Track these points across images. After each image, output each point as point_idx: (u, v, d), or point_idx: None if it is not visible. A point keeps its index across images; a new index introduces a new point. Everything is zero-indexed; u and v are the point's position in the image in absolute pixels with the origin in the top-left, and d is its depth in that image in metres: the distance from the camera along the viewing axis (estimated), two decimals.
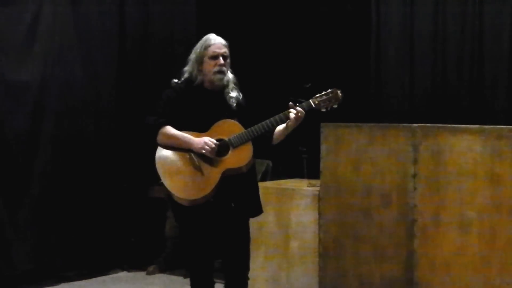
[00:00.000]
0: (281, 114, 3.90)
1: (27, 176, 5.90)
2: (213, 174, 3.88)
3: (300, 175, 6.04)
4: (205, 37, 4.10)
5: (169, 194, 3.95)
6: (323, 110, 3.91)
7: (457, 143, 4.91)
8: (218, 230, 4.03)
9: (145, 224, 6.67)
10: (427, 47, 6.25)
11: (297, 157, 6.35)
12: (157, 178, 4.01)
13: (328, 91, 3.90)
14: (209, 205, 3.92)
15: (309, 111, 3.93)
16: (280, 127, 4.00)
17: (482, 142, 4.81)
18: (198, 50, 4.05)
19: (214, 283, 4.17)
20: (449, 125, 5.09)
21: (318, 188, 5.47)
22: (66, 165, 6.13)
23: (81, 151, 6.23)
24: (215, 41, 4.05)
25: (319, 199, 5.42)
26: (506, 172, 4.72)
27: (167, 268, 6.52)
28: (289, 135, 4.07)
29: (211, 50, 4.02)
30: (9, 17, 5.78)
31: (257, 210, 4.19)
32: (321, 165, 5.40)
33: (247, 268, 4.17)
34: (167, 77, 6.67)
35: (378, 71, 6.46)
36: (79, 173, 6.21)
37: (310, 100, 3.91)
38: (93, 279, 6.23)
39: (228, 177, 3.91)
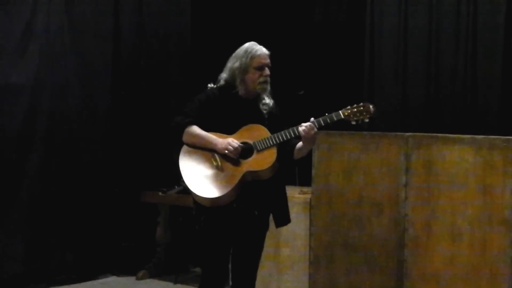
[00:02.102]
0: (294, 127, 3.85)
1: (19, 179, 5.87)
2: (234, 174, 3.86)
3: (292, 183, 6.03)
4: (249, 45, 4.04)
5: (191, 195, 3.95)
6: (353, 123, 3.84)
7: (449, 153, 4.92)
8: (238, 236, 4.02)
9: (136, 229, 6.65)
10: (420, 56, 6.25)
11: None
12: (179, 178, 4.00)
13: (360, 104, 3.84)
14: (231, 210, 3.91)
15: (339, 122, 3.87)
16: (299, 144, 3.93)
17: (474, 152, 4.82)
18: (244, 60, 3.98)
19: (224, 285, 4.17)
20: (441, 134, 5.10)
21: (309, 196, 5.46)
22: (58, 168, 6.10)
23: (73, 154, 6.21)
24: (261, 51, 4.00)
25: (311, 207, 5.42)
26: (498, 183, 4.73)
27: (157, 273, 6.50)
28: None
29: (258, 60, 3.97)
30: (4, 19, 5.76)
31: (284, 219, 4.13)
32: (313, 172, 5.40)
33: (254, 278, 4.16)
34: (162, 77, 6.75)
35: (371, 80, 6.46)
36: (71, 177, 6.19)
37: (340, 111, 3.84)
38: (83, 284, 6.20)
39: (253, 183, 3.89)
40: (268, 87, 4.02)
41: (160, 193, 6.32)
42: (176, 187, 6.20)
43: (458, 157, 4.89)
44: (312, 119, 3.84)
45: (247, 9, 7.14)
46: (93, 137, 6.35)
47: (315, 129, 3.82)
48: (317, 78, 6.83)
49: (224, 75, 4.06)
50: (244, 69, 3.98)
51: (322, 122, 3.82)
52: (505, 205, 4.71)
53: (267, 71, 3.97)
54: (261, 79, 3.97)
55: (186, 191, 5.71)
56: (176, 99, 6.66)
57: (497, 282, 4.73)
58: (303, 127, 3.81)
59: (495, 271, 4.73)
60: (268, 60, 4.00)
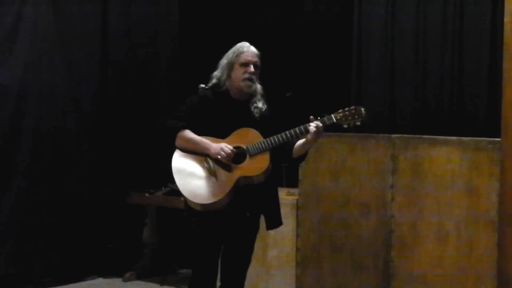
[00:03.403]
0: (301, 127, 3.84)
1: (5, 180, 5.84)
2: (227, 180, 3.86)
3: (279, 184, 6.04)
4: (239, 44, 4.07)
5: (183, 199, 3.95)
6: (345, 126, 3.84)
7: (436, 155, 4.95)
8: (228, 237, 4.03)
9: (123, 230, 6.64)
10: (408, 58, 6.27)
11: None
12: (172, 182, 3.99)
13: (352, 107, 3.83)
14: (224, 213, 3.91)
15: (330, 125, 3.86)
16: (301, 141, 3.94)
17: (460, 154, 4.85)
18: (230, 56, 4.03)
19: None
20: (428, 136, 5.13)
21: (297, 197, 5.47)
22: (45, 170, 6.08)
23: (60, 156, 6.19)
24: (248, 49, 4.03)
25: (298, 208, 5.43)
26: (484, 184, 4.77)
27: (144, 275, 6.48)
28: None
29: (243, 57, 3.99)
30: None
31: (276, 221, 4.14)
32: (300, 174, 5.42)
33: (243, 279, 4.17)
34: (150, 79, 6.74)
35: (359, 81, 6.47)
36: (58, 178, 6.17)
37: (332, 114, 3.83)
38: (70, 285, 6.18)
39: (246, 186, 3.89)
40: (254, 87, 4.00)
41: (147, 194, 6.31)
42: (163, 188, 6.20)
43: (445, 158, 4.92)
44: (311, 117, 3.83)
45: (235, 9, 7.14)
46: (80, 138, 6.34)
47: (323, 127, 3.82)
48: (304, 79, 6.84)
49: (215, 73, 4.09)
50: (230, 66, 4.01)
51: (326, 121, 3.83)
52: (491, 206, 4.74)
53: (251, 68, 3.97)
54: (245, 76, 3.96)
55: (173, 192, 5.73)
56: (164, 101, 6.66)
57: (483, 283, 4.76)
58: (313, 125, 3.79)
59: (482, 271, 4.76)
60: (255, 59, 4.01)
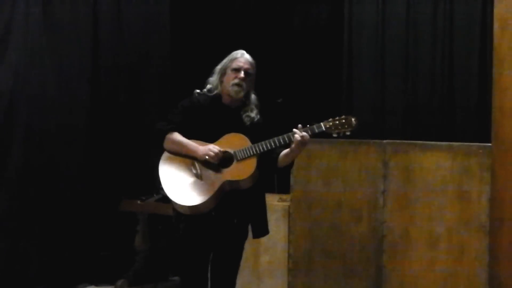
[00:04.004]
0: (284, 135, 3.83)
1: None
2: (213, 183, 3.87)
3: (271, 190, 6.04)
4: (235, 51, 4.10)
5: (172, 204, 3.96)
6: (335, 135, 3.84)
7: (427, 160, 4.96)
8: (217, 245, 4.03)
9: (114, 237, 6.61)
10: (398, 64, 6.30)
11: None
12: (159, 185, 4.00)
13: (342, 117, 3.82)
14: (210, 218, 3.91)
15: (319, 133, 3.85)
16: (286, 150, 3.92)
17: (451, 159, 4.88)
18: (224, 62, 4.07)
19: None
20: (419, 141, 5.15)
21: (288, 203, 5.47)
22: (36, 177, 6.06)
23: (51, 163, 6.17)
24: (242, 56, 4.05)
25: (290, 214, 5.43)
26: (474, 189, 4.79)
27: (136, 282, 6.46)
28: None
29: (236, 62, 4.02)
30: None
31: (262, 230, 4.13)
32: (292, 180, 5.42)
33: (233, 286, 4.16)
34: (141, 86, 6.73)
35: (350, 88, 6.50)
36: (49, 186, 6.15)
37: (322, 123, 3.82)
38: None
39: (232, 192, 3.90)
40: (242, 93, 4.00)
41: (138, 202, 6.29)
42: (154, 195, 6.18)
43: (436, 163, 4.94)
44: (299, 126, 3.81)
45: (226, 14, 7.15)
46: (71, 145, 6.32)
47: (308, 137, 3.80)
48: (295, 85, 6.85)
49: (210, 78, 4.12)
50: (223, 71, 4.05)
51: (315, 129, 3.82)
52: (482, 210, 4.76)
53: (241, 74, 3.98)
54: (235, 81, 3.98)
55: (165, 199, 5.71)
56: (155, 108, 6.64)
57: (475, 287, 4.78)
58: (298, 134, 3.78)
59: (473, 276, 4.78)
60: (247, 66, 4.02)
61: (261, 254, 5.52)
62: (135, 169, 6.55)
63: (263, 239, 5.23)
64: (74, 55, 6.28)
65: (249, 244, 4.17)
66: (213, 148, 3.88)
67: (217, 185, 3.86)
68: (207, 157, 3.87)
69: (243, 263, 4.16)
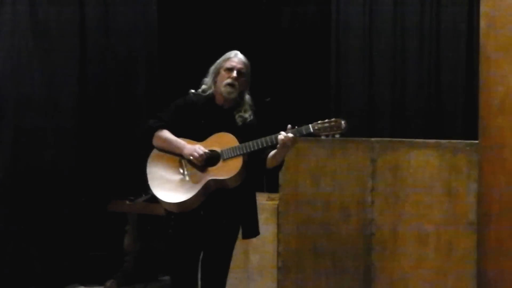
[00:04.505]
0: (272, 136, 3.83)
1: None
2: (198, 181, 3.88)
3: (260, 189, 6.05)
4: (229, 51, 4.12)
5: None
6: (323, 137, 3.83)
7: (415, 158, 4.99)
8: (206, 244, 4.04)
9: (103, 238, 6.60)
10: (386, 62, 6.31)
11: None
12: (147, 184, 4.01)
13: (332, 119, 3.81)
14: (199, 218, 3.93)
15: (307, 135, 3.85)
16: (273, 152, 3.91)
17: (439, 156, 4.90)
18: (218, 62, 4.09)
19: None
20: (407, 139, 5.17)
21: (277, 202, 5.48)
22: (24, 178, 6.05)
23: (39, 164, 6.15)
24: (236, 56, 4.07)
25: (278, 212, 5.44)
26: (462, 186, 4.81)
27: (126, 282, 6.45)
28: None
29: (229, 62, 4.03)
30: None
31: (252, 231, 4.14)
32: (281, 179, 5.42)
33: (224, 285, 4.16)
34: (129, 88, 6.71)
35: (338, 87, 6.50)
36: (38, 186, 6.13)
37: (310, 125, 3.81)
38: None
39: (220, 192, 3.91)
40: (235, 94, 4.01)
41: (127, 202, 6.28)
42: (143, 195, 6.18)
43: (424, 161, 4.96)
44: (289, 126, 3.80)
45: (213, 16, 7.14)
46: (60, 146, 6.30)
47: (295, 138, 3.78)
48: (283, 84, 6.85)
49: (205, 79, 4.13)
50: (217, 71, 4.07)
51: (303, 130, 3.81)
52: (470, 208, 4.78)
53: (234, 73, 3.99)
54: (227, 81, 3.99)
55: (154, 199, 5.71)
56: (144, 108, 6.64)
57: (464, 284, 4.80)
58: (282, 136, 3.77)
59: (461, 272, 4.80)
60: (240, 66, 4.02)
61: (251, 253, 5.52)
62: (123, 170, 6.54)
63: (253, 239, 5.26)
64: (61, 56, 6.26)
65: (239, 244, 4.17)
66: (198, 149, 3.89)
67: (201, 184, 3.87)
68: (191, 157, 3.88)
69: (232, 262, 4.17)
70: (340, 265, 5.21)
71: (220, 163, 3.90)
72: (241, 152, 3.87)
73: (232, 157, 3.89)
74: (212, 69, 4.10)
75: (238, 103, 4.07)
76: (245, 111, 4.07)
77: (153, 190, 3.95)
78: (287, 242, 5.41)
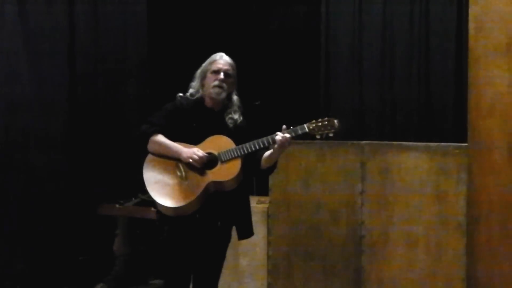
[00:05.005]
0: (268, 137, 3.87)
1: None
2: (198, 184, 3.88)
3: (250, 192, 6.04)
4: (214, 54, 4.14)
5: (155, 205, 3.96)
6: (318, 136, 3.88)
7: (404, 160, 5.00)
8: (200, 247, 4.03)
9: (93, 242, 6.59)
10: (375, 65, 6.33)
11: None
12: (142, 192, 4.00)
13: (325, 118, 3.87)
14: (194, 221, 3.92)
15: (303, 135, 3.88)
16: (268, 152, 3.95)
17: (428, 159, 4.91)
18: (204, 65, 4.12)
19: None
20: (396, 142, 5.18)
21: (267, 205, 5.48)
22: (13, 181, 6.02)
23: (29, 167, 6.13)
24: (221, 58, 4.09)
25: (269, 215, 5.44)
26: (452, 189, 4.83)
27: (116, 286, 6.44)
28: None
29: (215, 64, 4.06)
30: None
31: (247, 232, 4.16)
32: (270, 182, 5.43)
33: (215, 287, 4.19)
34: (119, 91, 6.70)
35: (328, 89, 6.52)
36: (27, 190, 6.11)
37: (305, 124, 3.87)
38: None
39: (216, 195, 3.91)
40: (223, 94, 4.04)
41: (117, 205, 6.27)
42: (133, 199, 6.17)
43: (413, 164, 4.97)
44: (284, 126, 3.85)
45: (203, 19, 7.15)
46: (50, 150, 6.28)
47: (292, 138, 3.84)
48: (273, 87, 6.86)
49: (192, 83, 4.14)
50: (203, 74, 4.09)
51: (299, 130, 3.86)
52: (459, 210, 4.80)
53: (221, 75, 4.01)
54: (215, 83, 4.01)
55: (144, 203, 5.70)
56: (134, 111, 6.63)
57: (453, 286, 4.81)
58: (279, 135, 3.81)
59: (451, 276, 4.82)
60: (226, 67, 4.05)
61: (241, 256, 5.52)
62: (113, 174, 6.53)
63: (243, 242, 5.25)
64: (50, 57, 6.24)
65: (229, 247, 4.18)
66: (197, 152, 3.89)
67: (202, 187, 3.87)
68: (191, 160, 3.88)
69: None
70: (330, 267, 5.22)
71: (219, 166, 3.91)
72: (239, 154, 3.89)
73: (230, 159, 3.90)
74: (199, 72, 4.13)
75: (226, 104, 4.10)
76: (234, 112, 4.10)
77: (152, 194, 3.93)
78: (277, 244, 5.41)
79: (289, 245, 5.36)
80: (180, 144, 3.97)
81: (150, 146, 4.01)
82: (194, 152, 3.89)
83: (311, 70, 6.70)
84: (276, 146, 3.84)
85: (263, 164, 3.99)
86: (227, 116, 4.07)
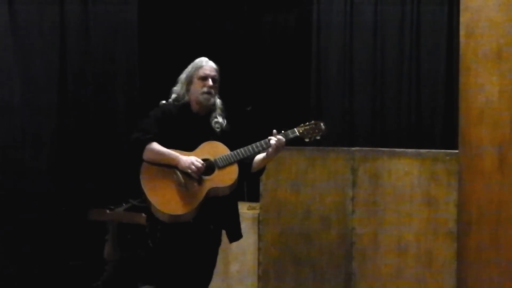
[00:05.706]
0: (262, 141, 3.91)
1: None
2: (198, 192, 3.89)
3: (240, 198, 6.04)
4: (198, 59, 4.13)
5: (150, 211, 3.94)
6: (307, 140, 3.93)
7: (395, 167, 5.01)
8: (194, 251, 4.03)
9: (83, 247, 6.57)
10: (366, 70, 6.34)
11: None
12: (141, 194, 3.98)
13: (312, 122, 3.95)
14: (188, 226, 3.92)
15: (294, 139, 3.95)
16: (261, 155, 4.01)
17: (419, 165, 4.92)
18: (189, 70, 4.10)
19: None
20: (387, 149, 5.19)
21: (258, 211, 5.48)
22: (3, 186, 6.00)
23: (19, 172, 6.10)
24: (207, 64, 4.09)
25: (259, 221, 5.44)
26: (442, 195, 4.84)
27: None
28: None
29: (202, 71, 4.05)
30: None
31: (237, 234, 4.18)
32: (261, 187, 5.43)
33: None
34: (109, 97, 6.69)
35: (318, 95, 6.53)
36: (17, 196, 6.08)
37: (295, 128, 3.94)
38: None
39: (211, 198, 3.92)
40: (213, 100, 4.05)
41: (107, 211, 6.25)
42: (124, 204, 6.16)
43: (404, 170, 4.98)
44: (274, 131, 3.91)
45: (194, 24, 7.15)
46: (39, 155, 6.26)
47: (284, 141, 3.90)
48: (264, 93, 6.87)
49: (175, 88, 4.14)
50: (189, 80, 4.08)
51: (290, 134, 3.94)
52: (449, 217, 4.81)
53: (209, 82, 4.02)
54: (204, 90, 4.02)
55: (134, 208, 5.68)
56: (124, 115, 6.62)
57: None
58: (274, 139, 3.87)
59: (441, 281, 4.82)
60: (213, 73, 4.06)
61: (231, 262, 5.52)
62: (103, 178, 6.51)
63: (233, 247, 5.26)
64: (40, 59, 6.21)
65: (219, 252, 4.18)
66: (195, 162, 3.88)
67: (202, 194, 3.89)
68: (189, 170, 3.87)
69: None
70: (320, 273, 5.22)
71: (216, 172, 3.93)
72: (235, 159, 3.92)
73: (227, 165, 3.92)
74: (184, 77, 4.11)
75: (210, 108, 4.10)
76: (219, 116, 4.11)
77: (152, 201, 3.90)
78: (268, 250, 5.41)
79: (279, 250, 5.36)
80: (175, 151, 3.96)
81: (146, 154, 3.97)
82: (193, 162, 3.88)
83: (302, 76, 6.70)
84: (270, 150, 3.90)
85: (254, 167, 4.05)
86: (213, 120, 4.08)
